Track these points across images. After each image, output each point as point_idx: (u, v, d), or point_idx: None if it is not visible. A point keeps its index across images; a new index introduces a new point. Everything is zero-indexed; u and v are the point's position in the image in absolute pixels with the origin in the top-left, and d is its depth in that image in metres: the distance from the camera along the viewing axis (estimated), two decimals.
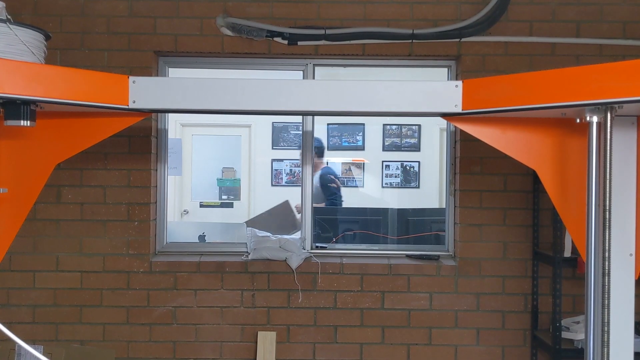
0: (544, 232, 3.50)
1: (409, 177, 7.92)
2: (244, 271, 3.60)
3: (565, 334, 3.25)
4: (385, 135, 8.35)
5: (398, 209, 5.69)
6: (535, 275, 3.55)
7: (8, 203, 1.80)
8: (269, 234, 3.77)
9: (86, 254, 3.57)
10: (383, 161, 8.35)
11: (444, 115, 1.90)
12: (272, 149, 7.91)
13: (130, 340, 3.58)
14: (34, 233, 3.55)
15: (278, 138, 7.96)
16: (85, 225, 3.57)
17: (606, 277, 1.64)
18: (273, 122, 7.91)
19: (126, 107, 1.78)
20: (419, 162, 7.83)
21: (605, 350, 1.65)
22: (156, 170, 3.69)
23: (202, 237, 4.23)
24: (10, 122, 1.63)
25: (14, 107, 1.62)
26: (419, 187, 7.86)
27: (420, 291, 3.60)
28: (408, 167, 7.98)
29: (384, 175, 8.20)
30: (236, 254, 3.71)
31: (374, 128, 8.03)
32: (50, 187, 3.51)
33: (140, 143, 3.59)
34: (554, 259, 3.24)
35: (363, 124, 8.23)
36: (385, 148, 8.67)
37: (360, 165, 8.37)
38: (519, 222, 3.58)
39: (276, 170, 7.97)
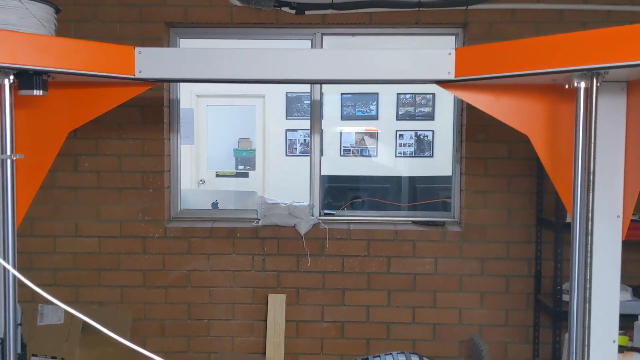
0: (547, 199, 3.55)
1: (423, 147, 7.94)
2: (254, 237, 3.73)
3: (566, 297, 3.33)
4: (399, 104, 8.36)
5: (407, 177, 5.76)
6: (538, 240, 3.62)
7: (24, 168, 1.91)
8: (278, 201, 3.88)
9: (103, 220, 3.72)
10: (397, 130, 8.37)
11: (438, 82, 1.96)
12: (286, 119, 7.97)
13: (147, 302, 3.74)
14: (54, 200, 3.69)
15: (292, 108, 8.01)
16: (102, 192, 3.71)
17: (589, 236, 1.72)
18: (287, 93, 7.96)
19: (132, 77, 1.87)
20: (433, 131, 7.84)
21: (587, 306, 1.74)
22: (169, 139, 3.80)
23: (215, 205, 4.36)
24: (23, 92, 1.74)
25: (27, 78, 1.72)
26: (432, 156, 7.89)
27: (426, 256, 3.70)
28: (422, 137, 8.00)
29: (397, 144, 8.23)
30: (247, 220, 3.83)
31: (387, 97, 8.03)
32: (67, 156, 3.65)
33: (152, 113, 3.70)
34: (556, 225, 3.30)
35: (377, 94, 8.24)
36: (399, 117, 8.68)
37: (374, 135, 8.40)
38: (524, 189, 3.64)
39: (290, 140, 8.05)
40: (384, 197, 5.86)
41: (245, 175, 8.73)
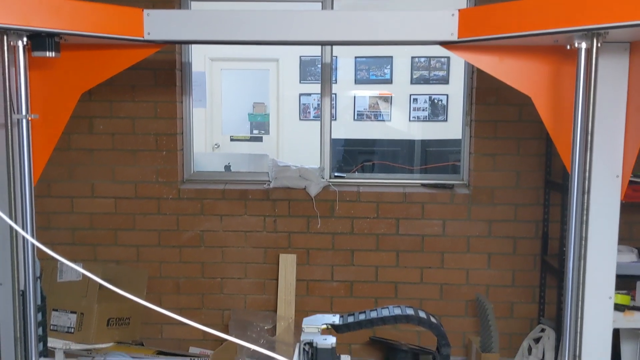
0: (556, 161, 3.56)
1: (437, 111, 7.91)
2: (266, 198, 3.80)
3: None
4: (413, 68, 8.29)
5: (419, 140, 5.77)
6: (546, 202, 3.65)
7: (40, 128, 1.98)
8: (289, 163, 3.94)
9: (119, 182, 3.82)
10: (411, 94, 8.33)
11: (442, 43, 1.98)
12: (300, 82, 7.96)
13: (162, 261, 3.86)
14: (70, 162, 3.79)
15: (305, 72, 7.99)
16: (117, 154, 3.80)
17: (585, 195, 1.76)
18: (301, 56, 7.93)
19: (142, 38, 1.92)
20: (447, 95, 7.80)
21: (582, 263, 1.79)
22: (181, 102, 3.86)
23: (227, 167, 4.44)
24: (37, 53, 1.80)
25: (40, 40, 1.78)
26: (446, 120, 7.86)
27: (434, 218, 3.75)
28: (436, 101, 7.97)
29: (411, 108, 8.20)
30: (259, 183, 3.91)
31: (402, 61, 7.97)
32: (82, 118, 3.73)
33: (165, 76, 3.75)
34: (564, 187, 3.33)
35: (391, 57, 8.18)
36: (413, 81, 8.62)
37: (388, 99, 8.37)
38: (533, 151, 3.65)
39: (304, 104, 8.05)
40: (396, 160, 5.89)
41: (260, 139, 8.78)
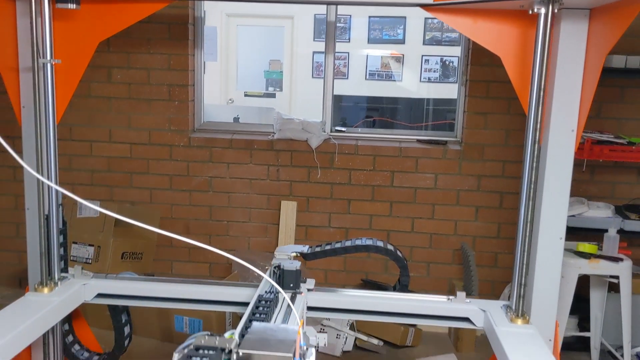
0: None
1: (448, 72, 8.04)
2: (270, 149, 4.07)
3: None
4: (426, 29, 8.38)
5: (423, 99, 5.96)
6: None
7: (62, 72, 2.25)
8: (293, 116, 4.18)
9: (134, 128, 4.10)
10: (422, 55, 8.43)
11: (421, 5, 2.19)
12: (314, 40, 8.10)
13: (173, 203, 4.17)
14: (90, 108, 4.07)
15: (319, 30, 8.13)
16: (133, 102, 4.07)
17: (535, 144, 1.99)
18: (315, 14, 8.06)
19: None
20: (458, 57, 7.91)
21: (531, 203, 2.05)
22: (193, 55, 4.09)
23: (236, 119, 4.70)
24: (60, 5, 2.06)
25: None
26: (457, 81, 7.99)
27: (427, 172, 4.00)
28: (447, 62, 8.08)
29: (422, 69, 8.32)
30: (264, 134, 4.16)
31: (415, 22, 8.07)
32: (101, 68, 3.99)
33: (178, 30, 3.98)
34: None
35: (404, 18, 8.27)
36: (425, 42, 8.71)
37: (400, 59, 8.49)
38: (521, 111, 3.83)
39: (317, 62, 8.21)
40: (399, 118, 6.08)
41: (273, 96, 8.97)
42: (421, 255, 4.07)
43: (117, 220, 3.79)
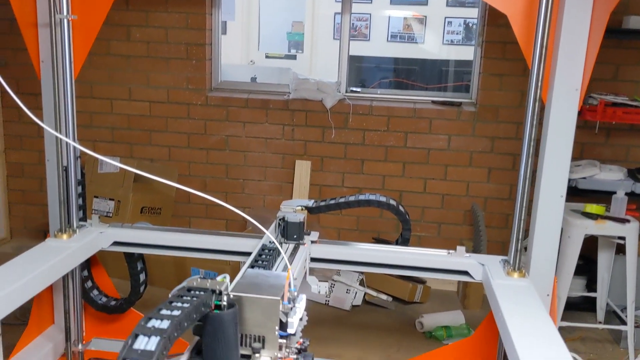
0: None
1: (470, 35, 7.93)
2: (285, 108, 4.12)
3: None
4: None
5: (441, 61, 5.92)
6: None
7: (78, 28, 2.32)
8: (308, 77, 4.22)
9: (153, 87, 4.19)
10: (445, 17, 8.33)
11: None
12: (336, 1, 8.04)
13: (191, 161, 4.27)
14: (109, 66, 4.17)
15: None
16: (151, 61, 4.15)
17: (536, 102, 2.02)
18: None
19: None
20: None
21: (530, 160, 2.08)
22: (211, 14, 4.13)
23: (253, 79, 4.75)
24: None
25: None
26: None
27: (440, 133, 4.02)
28: (470, 25, 7.97)
29: (445, 31, 8.22)
30: (280, 94, 4.22)
31: None
32: (120, 26, 4.06)
33: None
34: None
35: None
36: (449, 4, 8.59)
37: (422, 21, 8.39)
38: None
39: (338, 23, 8.16)
40: (418, 80, 6.06)
41: (294, 57, 8.97)
42: (432, 215, 4.12)
43: (136, 176, 3.92)
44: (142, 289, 2.63)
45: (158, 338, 1.07)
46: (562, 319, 3.28)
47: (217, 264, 3.45)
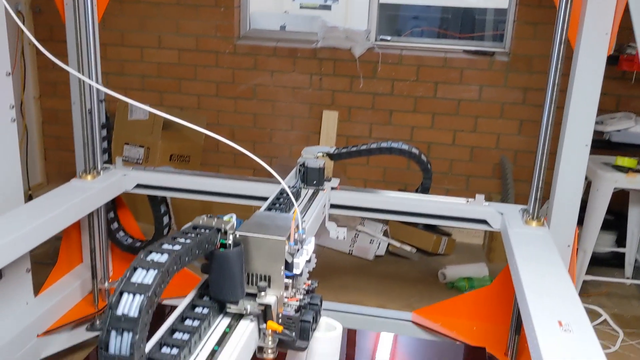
0: None
1: None
2: (313, 57, 4.08)
3: (597, 127, 3.51)
4: None
5: (470, 9, 5.70)
6: None
7: None
8: (337, 25, 4.14)
9: (182, 35, 4.19)
10: None
11: None
12: None
13: (219, 110, 4.30)
14: (140, 14, 4.17)
15: None
16: (180, 9, 4.13)
17: (563, 45, 1.95)
18: None
19: None
20: None
21: (553, 107, 2.02)
22: None
23: (282, 27, 4.70)
24: None
25: None
26: None
27: (471, 84, 3.92)
28: None
29: None
30: (308, 42, 4.16)
31: None
32: None
33: None
34: None
35: None
36: None
37: None
38: None
39: None
40: (451, 29, 5.88)
41: (328, 8, 8.80)
42: (461, 168, 4.07)
43: (165, 124, 3.97)
44: (165, 231, 2.70)
45: (155, 271, 1.08)
46: (589, 274, 3.23)
47: (242, 210, 3.48)
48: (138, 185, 2.51)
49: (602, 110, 3.64)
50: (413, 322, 2.57)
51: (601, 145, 3.51)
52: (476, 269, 3.46)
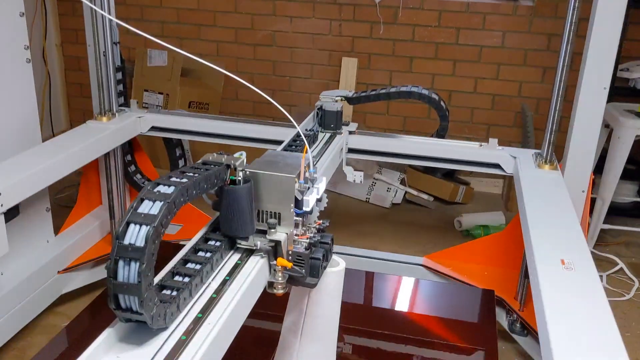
0: None
1: None
2: (332, 2, 4.00)
3: (622, 74, 3.41)
4: None
5: None
6: None
7: None
8: None
9: None
10: None
11: None
12: None
13: (238, 57, 4.27)
14: None
15: None
16: None
17: None
18: None
19: None
20: None
21: (570, 46, 1.96)
22: None
23: None
24: None
25: None
26: None
27: (494, 29, 3.82)
28: None
29: None
30: None
31: None
32: None
33: None
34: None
35: None
36: None
37: None
38: None
39: None
40: None
41: None
42: (482, 116, 4.01)
43: (184, 70, 3.98)
44: None
45: (162, 203, 1.09)
46: (608, 223, 3.19)
47: (259, 154, 3.51)
48: (153, 128, 2.54)
49: (628, 57, 3.56)
50: (424, 266, 2.59)
51: (626, 92, 3.41)
52: (493, 217, 3.44)
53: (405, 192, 3.79)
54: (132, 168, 2.74)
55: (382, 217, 3.66)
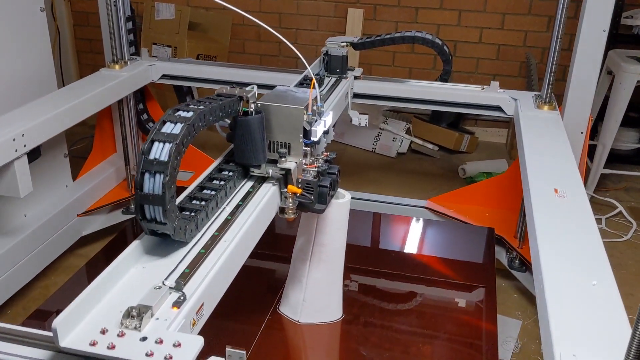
0: None
1: None
2: None
3: (626, 21, 3.43)
4: None
5: None
6: None
7: None
8: None
9: None
10: None
11: None
12: None
13: (244, 9, 4.27)
14: None
15: None
16: None
17: None
18: None
19: None
20: None
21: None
22: None
23: None
24: None
25: None
26: None
27: None
28: None
29: None
30: None
31: None
32: None
33: None
34: None
35: None
36: None
37: None
38: None
39: None
40: None
41: None
42: (487, 67, 4.04)
43: (191, 24, 4.01)
44: None
45: (182, 124, 1.19)
46: (609, 168, 3.26)
47: None
48: (164, 76, 2.61)
49: (633, 4, 3.56)
50: (428, 208, 2.69)
51: (629, 39, 3.44)
52: (496, 165, 3.52)
53: (411, 142, 3.86)
54: (145, 116, 2.83)
55: (388, 166, 3.75)
